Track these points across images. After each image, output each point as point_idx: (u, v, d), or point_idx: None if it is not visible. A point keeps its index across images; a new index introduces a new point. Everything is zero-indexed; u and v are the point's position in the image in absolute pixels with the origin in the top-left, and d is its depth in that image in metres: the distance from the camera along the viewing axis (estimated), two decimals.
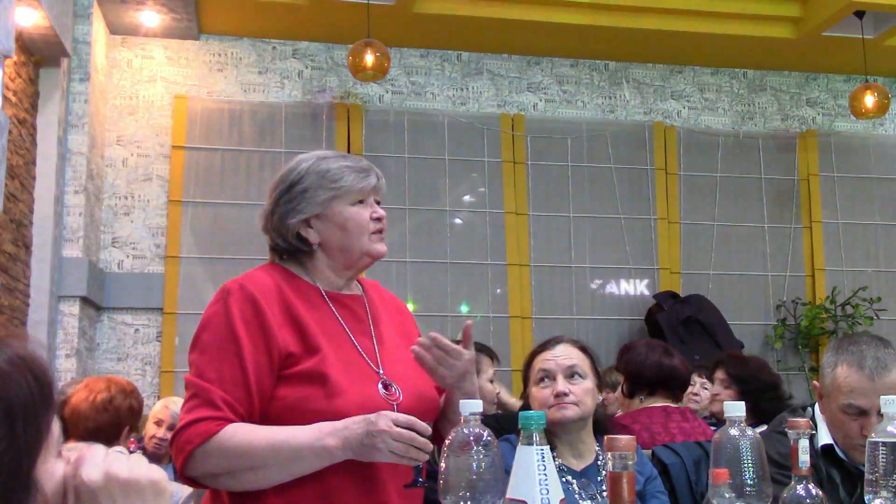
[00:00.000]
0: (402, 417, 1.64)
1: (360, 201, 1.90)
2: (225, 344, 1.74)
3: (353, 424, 1.66)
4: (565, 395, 2.23)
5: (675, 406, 3.11)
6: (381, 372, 1.84)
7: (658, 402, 3.10)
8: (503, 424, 2.97)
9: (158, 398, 4.87)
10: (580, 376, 2.28)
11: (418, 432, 1.62)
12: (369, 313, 1.94)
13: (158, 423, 3.83)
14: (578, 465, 2.26)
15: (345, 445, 1.66)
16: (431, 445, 1.65)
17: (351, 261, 1.91)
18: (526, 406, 2.39)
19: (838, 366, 2.07)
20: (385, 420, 1.62)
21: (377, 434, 1.62)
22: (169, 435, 3.71)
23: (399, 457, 1.63)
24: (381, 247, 1.93)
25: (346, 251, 1.89)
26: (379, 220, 1.92)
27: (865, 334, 2.20)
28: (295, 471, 1.70)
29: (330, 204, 1.88)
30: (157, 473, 1.05)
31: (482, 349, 3.75)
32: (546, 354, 2.33)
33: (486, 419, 3.16)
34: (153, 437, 3.80)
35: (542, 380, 2.29)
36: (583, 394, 2.26)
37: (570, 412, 2.23)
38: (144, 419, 3.95)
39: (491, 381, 3.57)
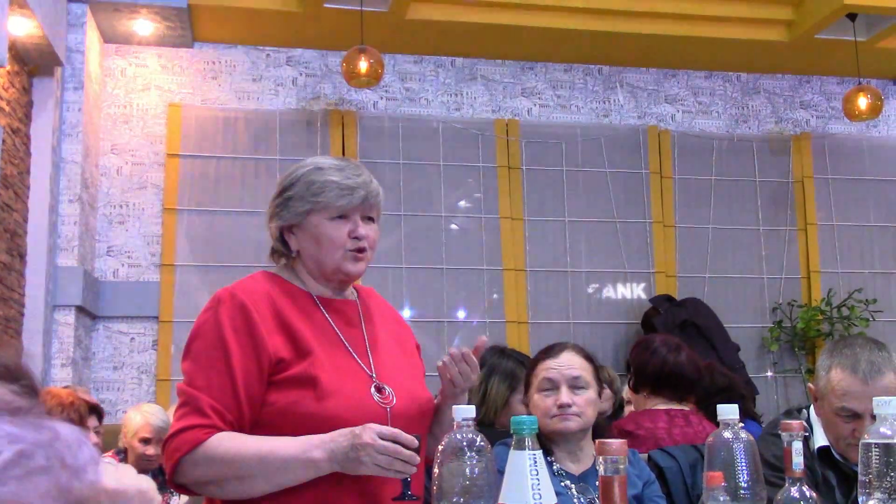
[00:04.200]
0: (387, 430, 1.62)
1: (343, 217, 1.86)
2: (214, 352, 1.75)
3: (339, 437, 1.65)
4: (568, 406, 2.23)
5: (679, 408, 3.03)
6: (374, 375, 1.83)
7: (661, 405, 3.02)
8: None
9: None
10: (583, 387, 2.28)
11: (404, 445, 1.61)
12: (362, 318, 1.93)
13: (144, 440, 3.73)
14: (576, 470, 2.26)
15: (330, 458, 1.65)
16: (418, 458, 1.63)
17: (325, 274, 1.89)
18: (527, 412, 2.39)
19: (832, 369, 2.07)
20: (369, 433, 1.61)
21: (361, 447, 1.61)
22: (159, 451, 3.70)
23: (384, 469, 1.61)
24: (354, 266, 1.87)
25: (320, 265, 1.88)
26: (358, 238, 1.86)
27: (860, 337, 2.21)
28: (281, 482, 1.69)
29: (308, 216, 1.86)
30: (146, 483, 1.05)
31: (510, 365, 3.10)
32: (550, 362, 2.31)
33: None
34: (142, 454, 3.71)
35: (545, 388, 2.28)
36: (585, 404, 2.26)
37: (573, 423, 2.24)
38: (117, 429, 3.87)
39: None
